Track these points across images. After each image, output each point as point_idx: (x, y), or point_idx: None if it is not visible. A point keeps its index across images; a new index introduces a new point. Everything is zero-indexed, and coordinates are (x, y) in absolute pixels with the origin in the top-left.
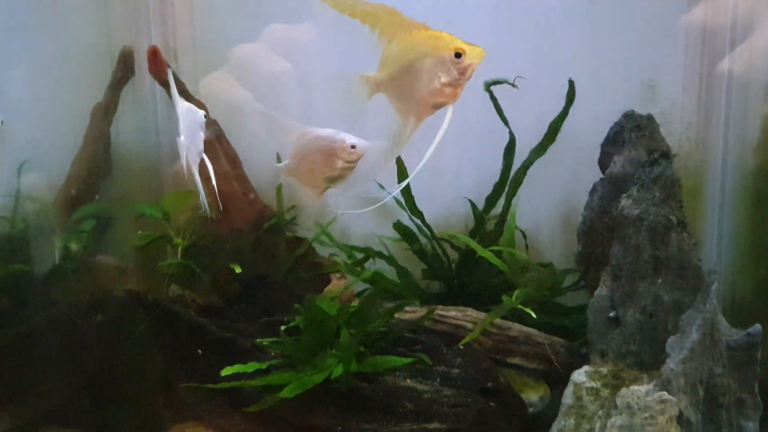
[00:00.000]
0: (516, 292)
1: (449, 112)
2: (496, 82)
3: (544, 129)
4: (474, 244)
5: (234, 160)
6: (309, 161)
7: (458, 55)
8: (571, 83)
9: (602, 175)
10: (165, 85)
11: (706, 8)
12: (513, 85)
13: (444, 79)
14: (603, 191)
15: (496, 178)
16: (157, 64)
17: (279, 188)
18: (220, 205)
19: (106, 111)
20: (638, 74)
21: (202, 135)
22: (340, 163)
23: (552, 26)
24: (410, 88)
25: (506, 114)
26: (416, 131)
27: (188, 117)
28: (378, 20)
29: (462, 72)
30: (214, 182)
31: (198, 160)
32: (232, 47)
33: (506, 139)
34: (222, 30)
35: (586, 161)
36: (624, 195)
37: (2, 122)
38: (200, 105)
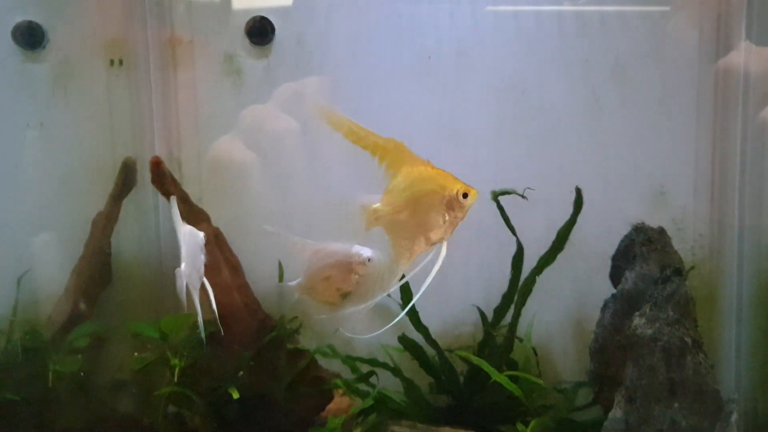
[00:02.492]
0: (532, 424)
1: (444, 248)
2: (504, 193)
3: (553, 236)
4: (487, 367)
5: (236, 268)
6: (324, 277)
7: (465, 195)
8: (578, 191)
9: (614, 290)
10: (167, 195)
11: (716, 114)
12: (523, 197)
13: (447, 216)
14: (615, 308)
15: (504, 284)
16: (159, 175)
17: (280, 297)
18: (221, 329)
19: (108, 221)
20: (649, 181)
21: (203, 258)
22: (355, 278)
23: (560, 133)
24: (410, 223)
25: (513, 221)
26: (408, 266)
27: (189, 242)
28: (386, 153)
29: (463, 211)
30: (214, 306)
31: (198, 285)
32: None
33: (513, 245)
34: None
35: (598, 268)
36: (637, 314)
37: None
38: (200, 213)
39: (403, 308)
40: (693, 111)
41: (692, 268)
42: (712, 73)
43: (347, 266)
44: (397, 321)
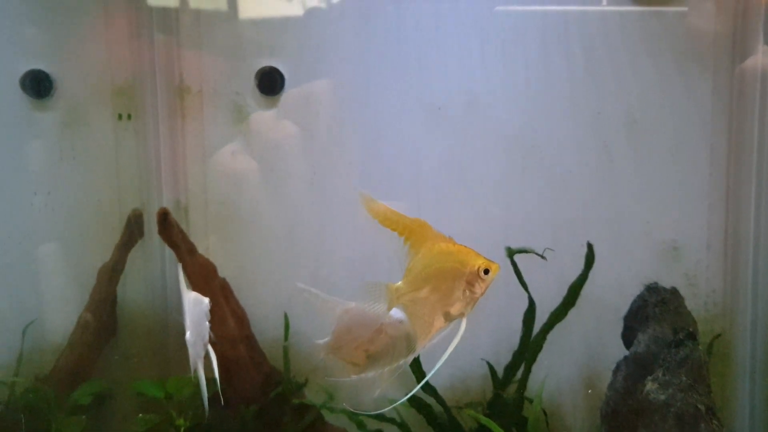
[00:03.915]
0: None
1: (463, 323)
2: (521, 251)
3: (563, 290)
4: (496, 428)
5: (241, 319)
6: (352, 337)
7: (486, 271)
8: (590, 246)
9: (625, 350)
10: (174, 247)
11: (728, 167)
12: (542, 257)
13: (468, 292)
14: (627, 371)
15: (513, 335)
16: (167, 226)
17: (286, 349)
18: (226, 389)
19: (114, 271)
20: (661, 235)
21: (207, 325)
22: (385, 339)
23: (571, 185)
24: (431, 299)
25: (523, 274)
26: (428, 342)
27: (194, 309)
28: (411, 233)
29: (483, 286)
30: (217, 374)
31: (203, 353)
32: (244, 201)
33: (522, 295)
34: (233, 186)
35: (609, 323)
36: (649, 378)
37: None
38: (208, 263)
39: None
40: (706, 164)
41: (719, 336)
42: (725, 126)
43: (378, 326)
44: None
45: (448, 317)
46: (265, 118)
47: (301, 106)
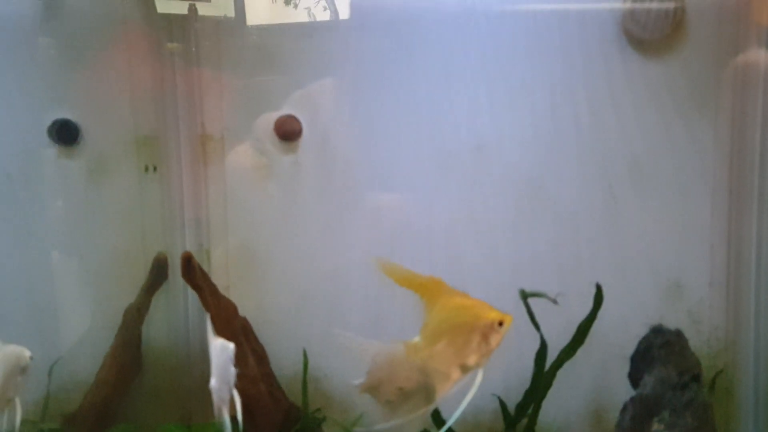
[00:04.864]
0: None
1: (479, 374)
2: (534, 295)
3: (570, 326)
4: None
5: (261, 357)
6: (388, 377)
7: (501, 323)
8: (599, 287)
9: (632, 389)
10: (197, 289)
11: (730, 207)
12: (554, 302)
13: (483, 344)
14: (634, 411)
15: (523, 370)
16: (190, 269)
17: (304, 383)
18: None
19: (139, 313)
20: (665, 274)
21: (233, 370)
22: (419, 375)
23: (577, 226)
24: (447, 352)
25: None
26: (447, 393)
27: (220, 355)
28: (426, 290)
29: (498, 338)
30: (240, 414)
31: (228, 398)
32: (263, 243)
33: (532, 331)
34: (253, 229)
35: (615, 358)
36: (656, 419)
37: (32, 358)
38: (229, 303)
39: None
40: (708, 205)
41: (721, 371)
42: (726, 168)
43: (410, 364)
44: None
45: (465, 369)
46: (283, 163)
47: (317, 153)
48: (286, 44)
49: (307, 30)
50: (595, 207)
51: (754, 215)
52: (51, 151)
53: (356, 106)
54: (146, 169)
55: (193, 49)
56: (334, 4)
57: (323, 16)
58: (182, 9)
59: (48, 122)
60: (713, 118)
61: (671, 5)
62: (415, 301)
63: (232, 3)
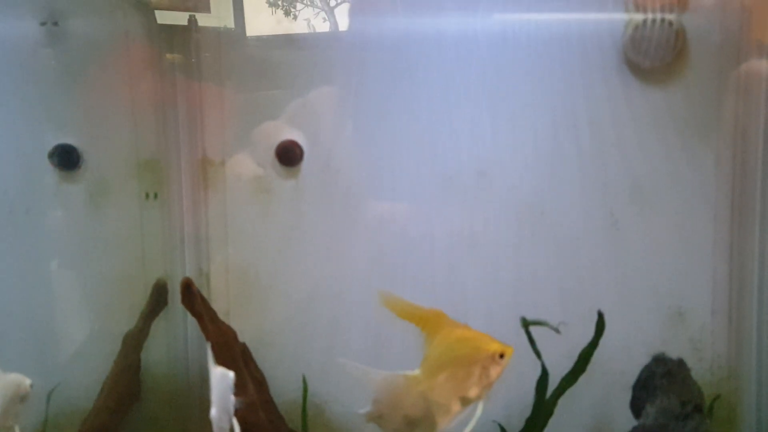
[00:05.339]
0: None
1: (480, 406)
2: (536, 323)
3: (571, 352)
4: None
5: (261, 383)
6: (394, 406)
7: (501, 355)
8: (600, 315)
9: (633, 418)
10: (197, 316)
11: (732, 234)
12: (556, 331)
13: (484, 377)
14: None
15: (525, 398)
16: (190, 296)
17: (304, 410)
18: None
19: (138, 339)
20: (667, 300)
21: (233, 399)
22: (424, 402)
23: (578, 252)
24: (448, 385)
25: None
26: (447, 426)
27: (220, 384)
28: (427, 323)
29: (499, 370)
30: None
31: (228, 427)
32: (263, 267)
33: (532, 357)
34: (253, 253)
35: (616, 384)
36: None
37: (32, 386)
38: (229, 330)
39: None
40: (710, 231)
41: (718, 397)
42: (728, 194)
43: (416, 392)
44: None
45: (465, 402)
46: (284, 188)
47: (319, 177)
48: (287, 57)
49: (308, 46)
50: (597, 232)
51: (756, 241)
52: (52, 176)
53: (357, 130)
54: (147, 196)
55: (193, 60)
56: (333, 16)
57: (323, 27)
58: (182, 20)
59: (49, 147)
60: (714, 144)
61: (672, 34)
62: (415, 329)
63: (232, 14)
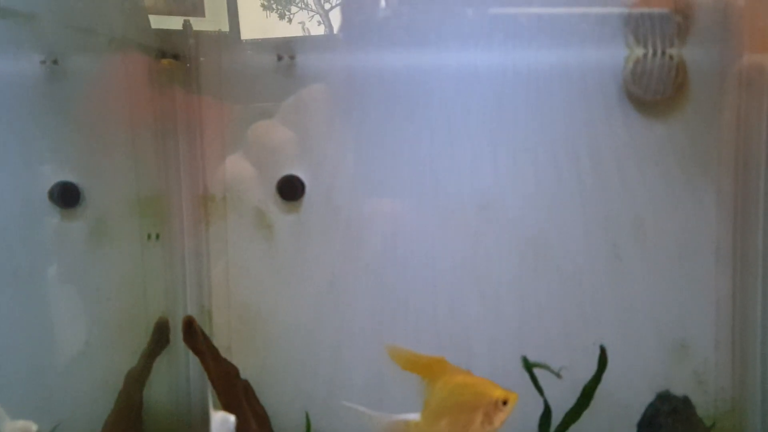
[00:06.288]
0: None
1: None
2: (537, 366)
3: (574, 386)
4: None
5: (263, 419)
6: None
7: (505, 402)
8: (603, 349)
9: None
10: (199, 354)
11: (734, 267)
12: (558, 375)
13: (488, 424)
14: None
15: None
16: (191, 334)
17: None
18: None
19: (140, 377)
20: (670, 334)
21: None
22: None
23: (581, 285)
24: (452, 430)
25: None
26: None
27: (221, 428)
28: (429, 370)
29: (502, 416)
30: None
31: None
32: (265, 302)
33: (535, 392)
34: (255, 289)
35: (620, 418)
36: None
37: (38, 431)
38: (231, 367)
39: None
40: (712, 263)
41: (713, 425)
42: (730, 227)
43: None
44: None
45: None
46: (286, 222)
47: (321, 211)
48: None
49: (307, 77)
50: (599, 266)
51: (759, 274)
52: (52, 214)
53: (358, 164)
54: (149, 237)
55: (188, 64)
56: (328, 19)
57: (317, 30)
58: (177, 24)
59: (49, 185)
60: (715, 177)
61: (673, 68)
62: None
63: (227, 17)
